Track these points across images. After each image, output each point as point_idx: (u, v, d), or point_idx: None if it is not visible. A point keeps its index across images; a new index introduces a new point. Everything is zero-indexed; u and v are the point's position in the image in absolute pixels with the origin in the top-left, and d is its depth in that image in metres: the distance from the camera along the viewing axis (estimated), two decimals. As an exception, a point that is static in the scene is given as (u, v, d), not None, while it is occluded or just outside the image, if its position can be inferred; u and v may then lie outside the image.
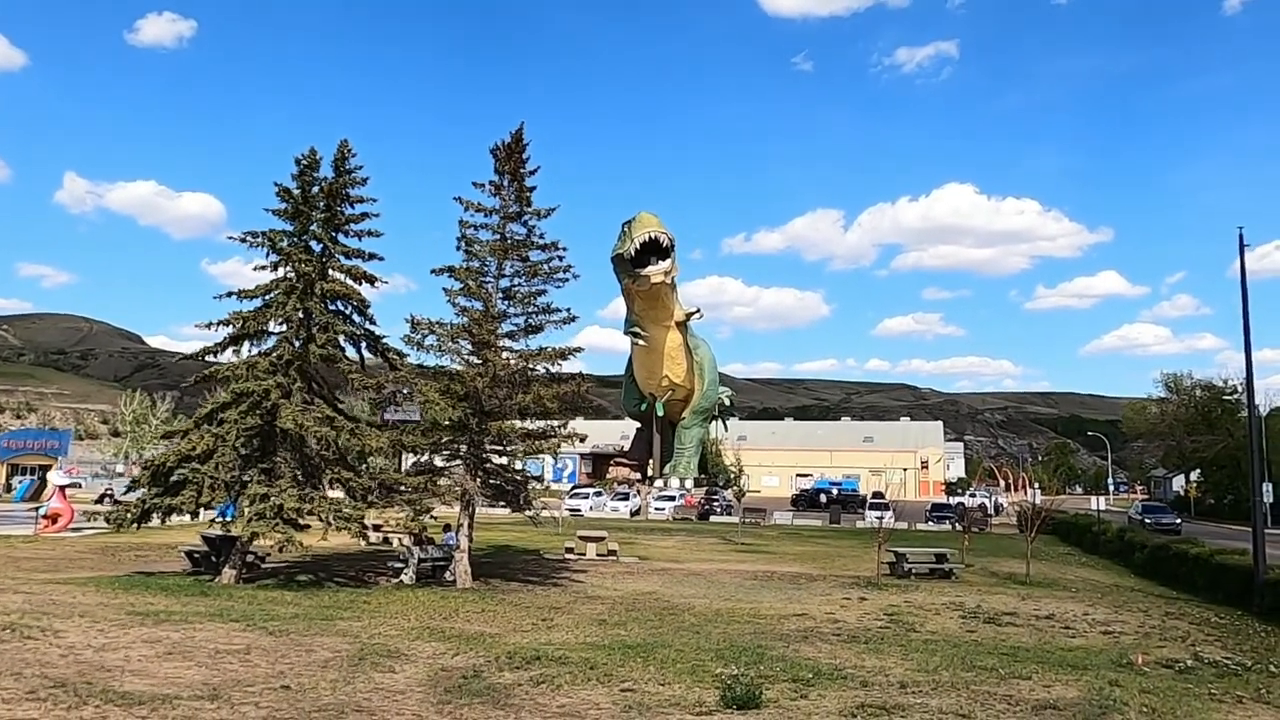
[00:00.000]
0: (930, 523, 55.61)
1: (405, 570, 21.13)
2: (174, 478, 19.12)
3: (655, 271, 75.02)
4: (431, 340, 20.40)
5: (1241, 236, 21.76)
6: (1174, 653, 15.33)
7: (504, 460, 22.32)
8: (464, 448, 20.63)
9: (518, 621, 16.32)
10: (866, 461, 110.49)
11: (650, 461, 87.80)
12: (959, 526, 40.27)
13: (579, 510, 59.42)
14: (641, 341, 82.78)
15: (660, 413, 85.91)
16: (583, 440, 21.52)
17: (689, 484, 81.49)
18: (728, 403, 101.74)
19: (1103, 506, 43.01)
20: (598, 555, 29.37)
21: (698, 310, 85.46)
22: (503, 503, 22.05)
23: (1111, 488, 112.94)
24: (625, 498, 65.56)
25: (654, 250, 75.03)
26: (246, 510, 18.45)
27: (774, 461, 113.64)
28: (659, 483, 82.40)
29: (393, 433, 20.62)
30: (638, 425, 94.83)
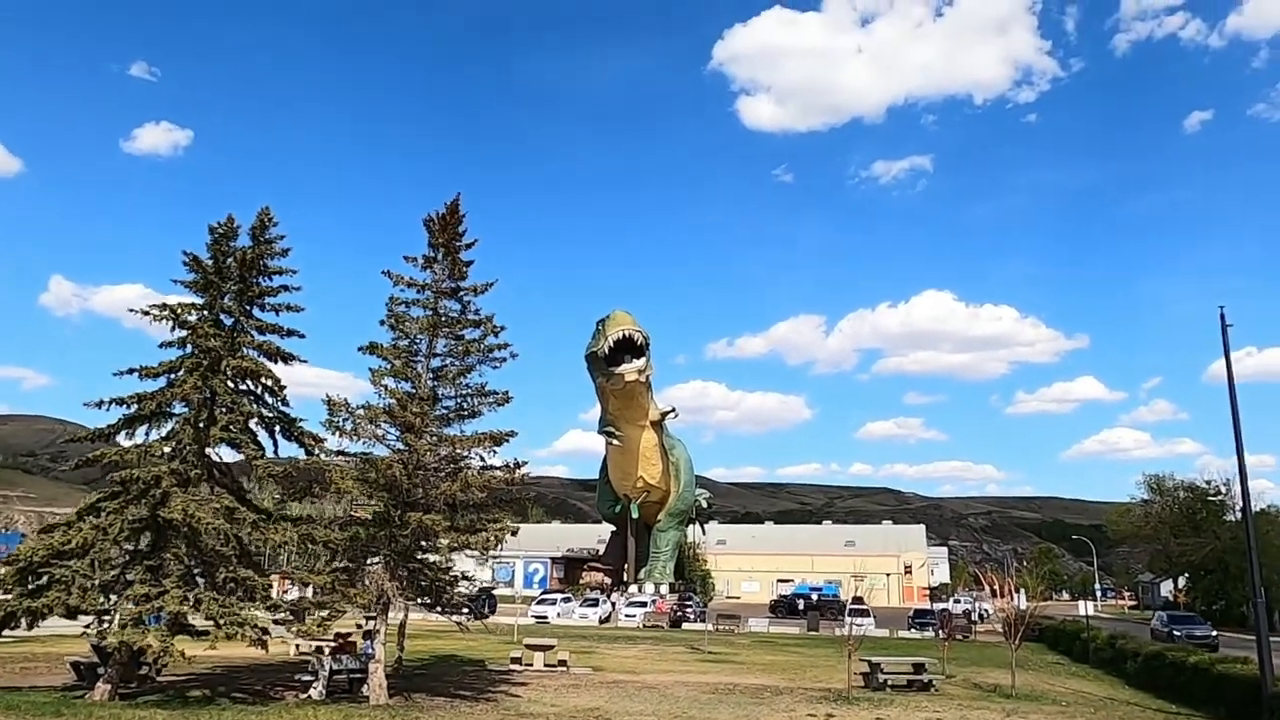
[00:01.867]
0: (913, 629, 52.91)
1: (315, 684, 18.72)
2: (44, 577, 16.84)
3: (629, 369, 73.64)
4: (350, 424, 18.51)
5: (1223, 316, 20.54)
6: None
7: (435, 558, 20.16)
8: (383, 544, 18.47)
9: (422, 746, 14.01)
10: (848, 566, 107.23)
11: (625, 566, 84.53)
12: (941, 634, 37.94)
13: (545, 617, 56.46)
14: (616, 442, 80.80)
15: (635, 515, 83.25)
16: (514, 534, 19.46)
17: (664, 589, 78.18)
18: (705, 505, 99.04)
19: (1091, 611, 40.63)
20: (545, 666, 26.80)
21: (673, 410, 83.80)
22: (427, 605, 19.72)
23: (1099, 593, 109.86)
24: (595, 604, 62.38)
25: (628, 348, 73.88)
26: (122, 614, 16.19)
27: (754, 566, 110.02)
28: (633, 588, 79.07)
29: (302, 527, 18.51)
30: (613, 529, 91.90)
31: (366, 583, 18.30)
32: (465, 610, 20.21)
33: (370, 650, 20.74)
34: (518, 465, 19.52)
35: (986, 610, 72.83)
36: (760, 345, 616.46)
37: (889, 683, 24.11)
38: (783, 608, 73.50)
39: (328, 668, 18.84)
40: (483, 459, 19.81)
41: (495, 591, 73.18)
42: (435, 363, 20.04)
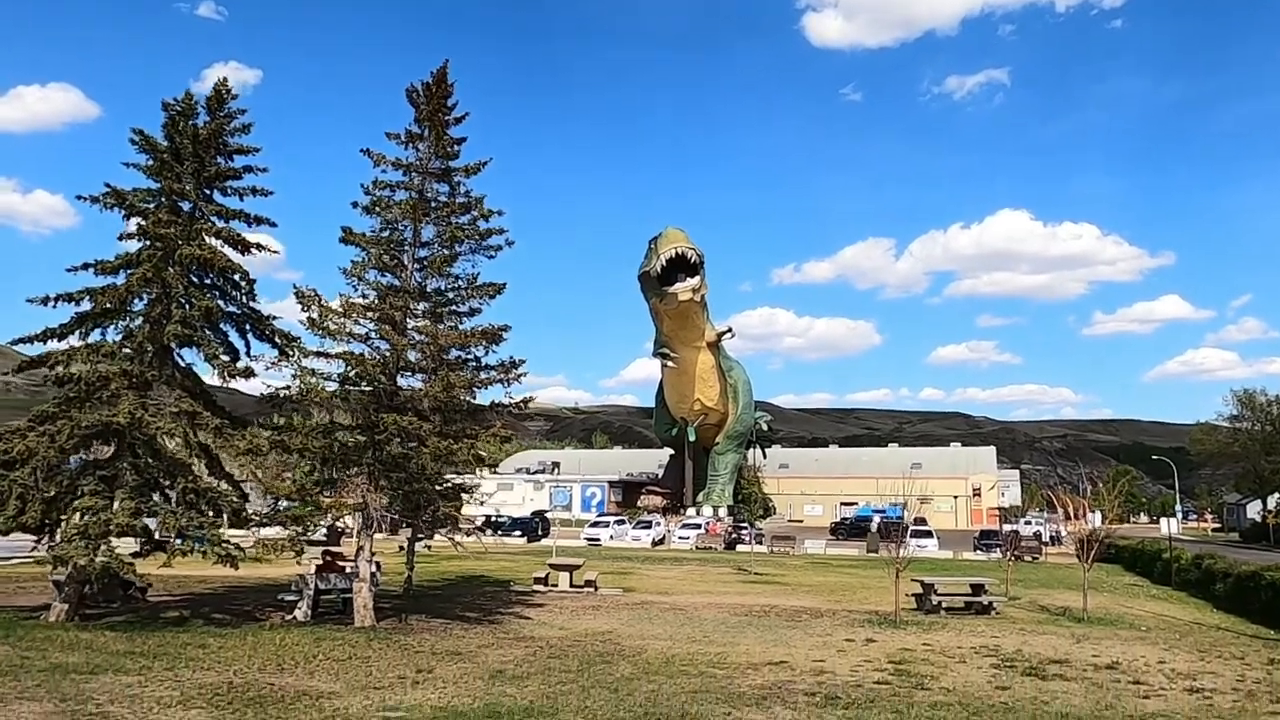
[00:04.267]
0: (978, 551, 50.28)
1: (299, 605, 17.16)
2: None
3: (683, 289, 71.05)
4: (326, 320, 16.49)
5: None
6: (1296, 723, 10.68)
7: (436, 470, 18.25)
8: (365, 452, 16.56)
9: (384, 674, 12.19)
10: (914, 490, 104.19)
11: (683, 490, 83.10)
12: (1008, 555, 35.34)
13: (598, 540, 55.39)
14: (671, 364, 78.71)
15: (693, 438, 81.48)
16: (506, 441, 17.39)
17: (721, 512, 76.66)
18: (765, 428, 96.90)
19: (1175, 530, 37.41)
20: (571, 586, 25.09)
21: (729, 329, 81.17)
22: (427, 525, 17.90)
23: (1179, 515, 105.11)
24: (648, 526, 61.09)
25: (682, 267, 71.17)
26: (66, 529, 14.69)
27: (817, 490, 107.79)
28: (690, 511, 77.67)
29: (273, 433, 16.72)
30: (671, 453, 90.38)
31: (346, 496, 16.45)
32: (464, 529, 18.24)
33: (372, 568, 19.21)
34: (515, 364, 17.36)
35: (1058, 533, 69.69)
36: (828, 270, 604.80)
37: (944, 605, 21.76)
38: (843, 530, 71.48)
39: (313, 587, 17.23)
40: (477, 360, 17.72)
41: (550, 515, 72.77)
42: (422, 253, 17.84)
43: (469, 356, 17.80)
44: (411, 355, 17.26)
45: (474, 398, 17.49)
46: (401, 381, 17.67)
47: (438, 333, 16.92)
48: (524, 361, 17.50)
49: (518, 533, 58.52)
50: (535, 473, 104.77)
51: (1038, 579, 32.77)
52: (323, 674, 12.02)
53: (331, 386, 16.54)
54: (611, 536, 56.93)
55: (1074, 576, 31.91)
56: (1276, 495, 76.93)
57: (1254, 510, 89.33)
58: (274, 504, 17.33)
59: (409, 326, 17.41)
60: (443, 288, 18.01)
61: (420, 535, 20.55)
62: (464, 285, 17.81)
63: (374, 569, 17.91)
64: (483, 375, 17.53)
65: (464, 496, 18.86)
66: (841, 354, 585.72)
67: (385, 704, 10.34)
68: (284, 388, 16.71)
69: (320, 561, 18.56)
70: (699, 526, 61.09)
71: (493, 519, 63.43)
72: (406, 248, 17.85)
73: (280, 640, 14.41)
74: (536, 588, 24.99)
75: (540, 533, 60.56)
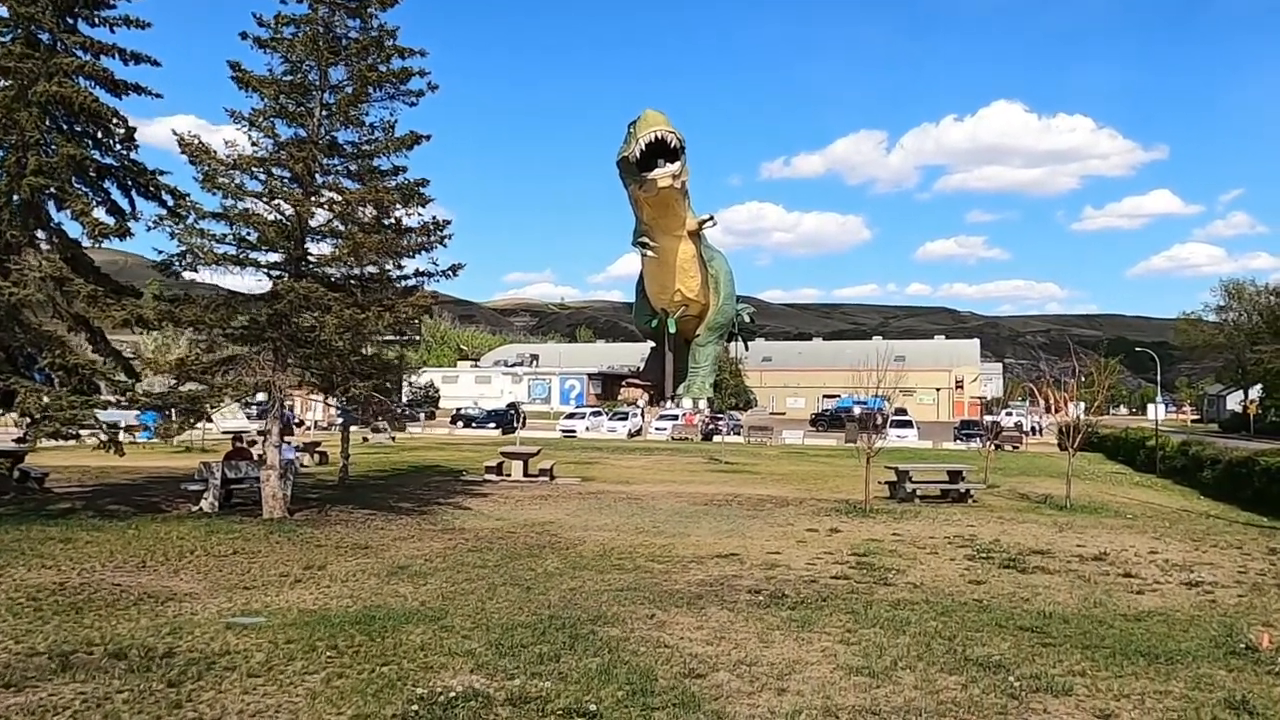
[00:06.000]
0: (959, 441, 49.31)
1: (205, 495, 15.48)
2: None
3: (663, 175, 68.20)
4: (216, 175, 14.27)
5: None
6: (1315, 622, 9.19)
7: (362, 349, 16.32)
8: (269, 326, 14.58)
9: (265, 572, 10.53)
10: (898, 381, 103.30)
11: (664, 382, 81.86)
12: (989, 444, 34.12)
13: (573, 432, 54.28)
14: (651, 253, 76.41)
15: (673, 330, 79.83)
16: (428, 311, 15.43)
17: (701, 404, 75.63)
18: (747, 320, 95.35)
19: (1165, 417, 36.29)
20: (526, 476, 23.60)
21: (711, 218, 78.59)
22: (344, 405, 16.08)
23: (1160, 405, 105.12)
24: (624, 417, 59.96)
25: (662, 152, 68.14)
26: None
27: (799, 383, 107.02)
28: (670, 404, 76.57)
29: (160, 304, 14.70)
30: (652, 345, 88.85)
31: (247, 374, 14.54)
32: (400, 412, 16.45)
33: (289, 455, 17.54)
34: (438, 225, 15.23)
35: (1039, 423, 69.07)
36: (818, 164, 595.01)
37: (918, 493, 20.38)
38: (824, 421, 70.84)
39: (219, 476, 15.51)
40: (397, 222, 15.59)
41: (525, 407, 71.51)
42: (331, 99, 15.46)
43: (388, 219, 15.67)
44: (322, 216, 15.12)
45: (392, 264, 15.46)
46: (314, 248, 15.60)
47: (345, 190, 14.72)
48: (449, 222, 15.38)
49: (492, 425, 57.37)
50: (513, 365, 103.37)
51: (1018, 467, 31.62)
52: (190, 572, 10.35)
53: (226, 250, 14.41)
54: (588, 428, 55.82)
55: (1055, 465, 30.78)
56: (1258, 386, 76.43)
57: (1234, 402, 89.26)
58: (176, 385, 15.41)
59: (318, 184, 15.21)
60: (356, 140, 15.72)
61: (355, 421, 18.89)
62: (381, 137, 15.51)
63: (292, 457, 16.20)
64: (405, 241, 15.44)
65: (396, 377, 17.01)
66: (830, 250, 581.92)
67: (245, 607, 8.69)
68: (178, 254, 14.65)
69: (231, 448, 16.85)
70: (677, 418, 60.01)
71: (462, 411, 62.13)
72: (314, 93, 15.47)
73: (165, 534, 12.73)
74: (489, 477, 23.47)
75: (516, 425, 59.48)
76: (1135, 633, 8.46)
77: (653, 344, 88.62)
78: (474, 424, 58.36)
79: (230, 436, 20.43)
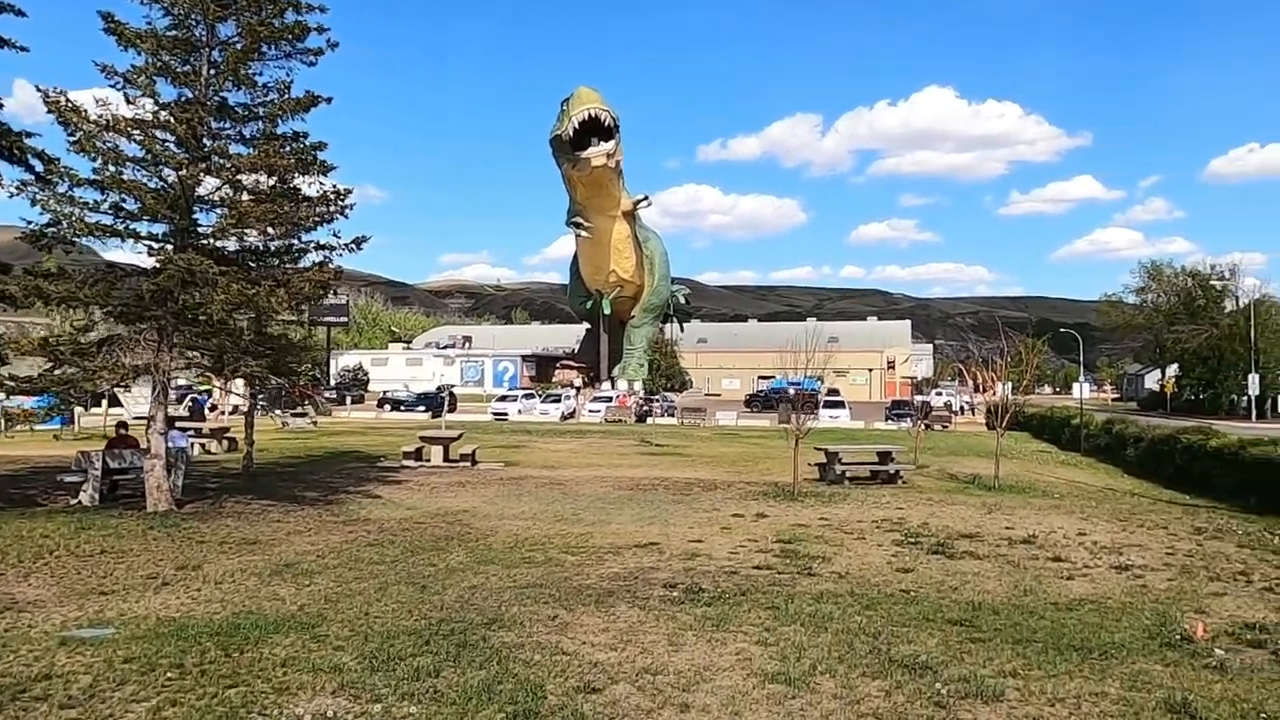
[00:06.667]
0: (890, 421, 49.58)
1: (84, 488, 14.26)
2: None
3: (596, 154, 67.23)
4: (96, 141, 12.99)
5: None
6: (1247, 605, 8.87)
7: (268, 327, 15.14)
8: (153, 303, 13.38)
9: (132, 574, 9.50)
10: (830, 363, 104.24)
11: (599, 364, 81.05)
12: (918, 424, 34.21)
13: (505, 414, 53.18)
14: (585, 233, 75.51)
15: (607, 311, 79.06)
16: (335, 280, 14.33)
17: (637, 385, 75.05)
18: (683, 300, 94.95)
19: (1087, 395, 36.84)
20: (446, 461, 22.63)
21: (645, 198, 77.79)
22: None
23: (1084, 384, 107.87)
24: (557, 400, 59.02)
25: (595, 130, 67.05)
26: None
27: (735, 364, 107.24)
28: (605, 385, 75.84)
29: (27, 279, 13.41)
30: (587, 327, 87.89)
31: (127, 356, 13.32)
32: (302, 396, 15.37)
33: (180, 442, 16.33)
34: (339, 194, 14.18)
35: (968, 403, 70.11)
36: (754, 147, 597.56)
37: (848, 475, 20.01)
38: (757, 402, 70.83)
39: (99, 466, 14.30)
40: (295, 190, 14.48)
41: (457, 390, 70.03)
42: (219, 56, 14.24)
43: (286, 187, 14.53)
44: (211, 183, 13.94)
45: (290, 236, 14.34)
46: (205, 219, 14.40)
47: (238, 157, 13.56)
48: (350, 191, 14.33)
49: (421, 408, 55.91)
50: (445, 347, 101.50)
51: (947, 446, 31.67)
52: (43, 576, 9.28)
53: (101, 220, 13.17)
54: (520, 411, 54.79)
55: (983, 444, 30.90)
56: (1175, 365, 78.74)
57: (1152, 380, 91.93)
58: (52, 368, 14.12)
59: (206, 149, 13.99)
60: (249, 101, 14.53)
61: (262, 407, 17.71)
62: (275, 98, 14.36)
63: (184, 444, 15.03)
64: (303, 212, 14.33)
65: (299, 358, 15.86)
66: (766, 232, 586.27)
67: (96, 617, 7.70)
68: (46, 224, 13.36)
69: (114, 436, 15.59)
70: (611, 400, 59.33)
71: (389, 394, 60.47)
72: (201, 50, 14.22)
73: (27, 531, 11.56)
74: (406, 463, 22.45)
75: (446, 408, 58.13)
76: (1067, 624, 8.00)
77: (588, 326, 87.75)
78: (402, 407, 56.79)
79: (116, 423, 19.08)
